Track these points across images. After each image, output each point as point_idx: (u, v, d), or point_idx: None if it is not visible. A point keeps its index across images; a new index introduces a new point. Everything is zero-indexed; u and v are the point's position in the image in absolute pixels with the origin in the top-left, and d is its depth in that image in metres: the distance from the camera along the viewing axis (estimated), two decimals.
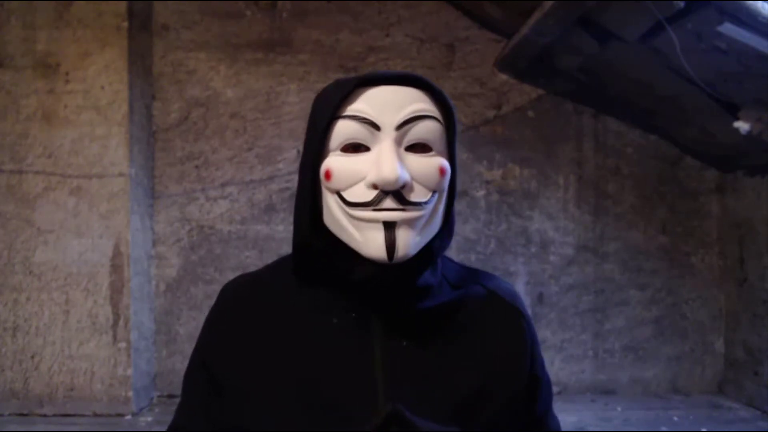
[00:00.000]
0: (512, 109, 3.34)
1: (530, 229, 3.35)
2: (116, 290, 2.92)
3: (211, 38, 3.27)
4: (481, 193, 3.33)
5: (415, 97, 0.72)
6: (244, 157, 3.27)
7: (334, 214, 0.73)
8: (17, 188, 2.93)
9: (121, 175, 2.93)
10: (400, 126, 0.71)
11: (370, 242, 0.70)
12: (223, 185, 3.27)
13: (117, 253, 2.92)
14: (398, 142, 0.71)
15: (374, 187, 0.70)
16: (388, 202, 0.70)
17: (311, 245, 0.76)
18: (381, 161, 0.69)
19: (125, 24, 2.94)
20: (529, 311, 0.86)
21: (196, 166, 3.26)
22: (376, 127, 0.71)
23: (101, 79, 2.93)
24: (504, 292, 0.83)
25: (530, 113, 3.35)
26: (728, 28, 2.25)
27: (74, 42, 2.93)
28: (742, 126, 2.67)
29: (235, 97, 3.27)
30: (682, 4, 2.19)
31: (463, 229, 3.32)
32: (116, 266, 2.92)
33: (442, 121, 0.74)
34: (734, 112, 2.72)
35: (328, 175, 0.72)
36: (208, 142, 3.26)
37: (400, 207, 0.70)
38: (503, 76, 3.32)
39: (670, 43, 2.36)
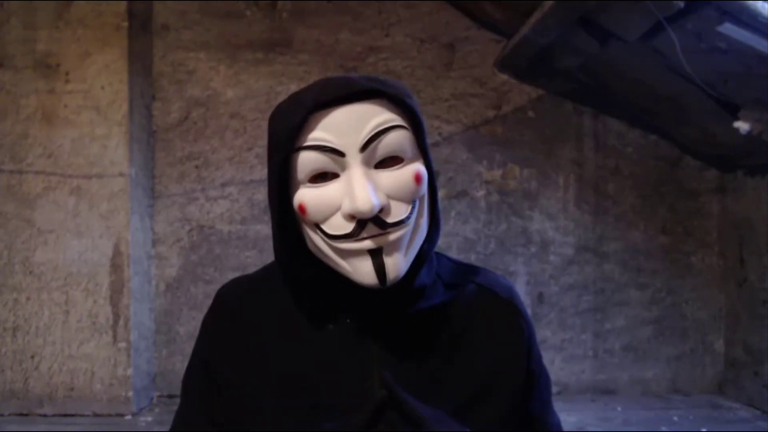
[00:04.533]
0: (512, 109, 3.34)
1: (530, 229, 3.35)
2: (116, 290, 2.92)
3: (211, 38, 3.26)
4: (481, 193, 3.33)
5: (372, 111, 0.69)
6: (244, 157, 3.27)
7: (319, 247, 0.72)
8: (17, 188, 2.93)
9: (121, 175, 2.92)
10: (364, 147, 0.68)
11: (359, 271, 0.69)
12: (223, 185, 3.27)
13: (117, 253, 2.92)
14: (366, 162, 0.69)
15: (351, 217, 0.68)
16: (369, 230, 0.68)
17: (298, 274, 0.76)
18: (352, 191, 0.67)
19: (125, 24, 2.94)
20: (529, 311, 0.85)
21: (196, 166, 3.26)
22: (339, 153, 0.68)
23: (101, 79, 2.93)
24: (500, 288, 0.82)
25: (530, 113, 3.35)
26: (728, 28, 2.25)
27: (74, 42, 2.93)
28: (742, 126, 2.67)
29: (235, 97, 3.27)
30: (682, 4, 2.18)
31: (463, 229, 3.32)
32: (116, 266, 2.92)
33: (406, 124, 0.71)
34: (734, 112, 2.72)
35: (302, 209, 0.70)
36: (208, 142, 3.26)
37: (382, 232, 0.68)
38: (503, 76, 3.32)
39: (670, 43, 2.36)
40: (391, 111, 0.70)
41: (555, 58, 2.95)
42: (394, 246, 0.69)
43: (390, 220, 0.68)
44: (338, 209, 0.69)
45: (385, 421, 0.71)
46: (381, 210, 0.68)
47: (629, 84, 3.00)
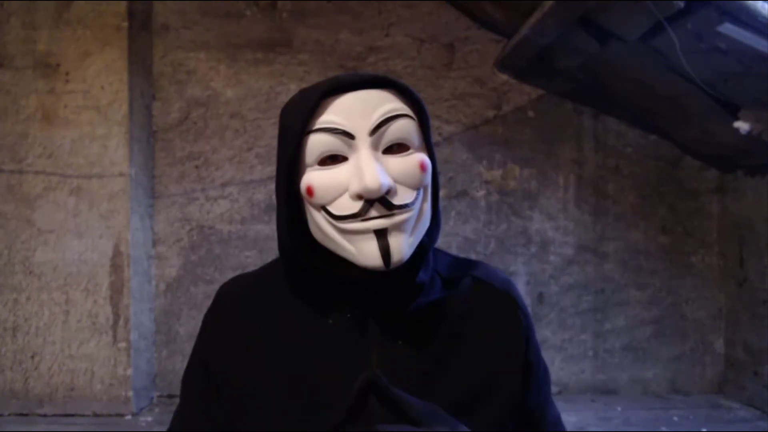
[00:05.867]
0: (512, 109, 3.34)
1: (530, 229, 3.35)
2: (116, 290, 2.92)
3: (211, 38, 3.26)
4: (481, 193, 3.33)
5: (383, 98, 0.72)
6: (244, 157, 3.27)
7: (323, 229, 0.72)
8: (17, 188, 2.93)
9: (121, 175, 2.93)
10: (374, 130, 0.70)
11: (364, 252, 0.70)
12: (223, 185, 3.27)
13: (117, 253, 2.92)
14: (375, 146, 0.71)
15: (359, 197, 0.69)
16: (376, 210, 0.69)
17: (300, 262, 0.76)
18: (361, 170, 0.68)
19: (125, 24, 2.94)
20: (529, 311, 0.85)
21: (196, 166, 3.26)
22: (350, 136, 0.70)
23: (101, 79, 2.93)
24: (497, 281, 0.83)
25: (530, 113, 3.35)
26: (728, 28, 2.25)
27: (74, 42, 2.93)
28: (742, 126, 2.67)
29: (235, 97, 3.27)
30: (682, 4, 2.18)
31: (463, 229, 3.32)
32: (116, 266, 2.92)
33: (413, 116, 0.74)
34: (734, 112, 2.72)
35: (310, 191, 0.71)
36: (208, 142, 3.26)
37: (388, 213, 0.69)
38: (503, 76, 3.32)
39: (670, 43, 2.36)
40: (400, 101, 0.73)
41: (555, 58, 2.95)
42: (400, 228, 0.70)
43: (396, 202, 0.70)
44: (345, 191, 0.70)
45: (375, 415, 0.71)
46: (388, 192, 0.69)
47: (629, 84, 3.00)
